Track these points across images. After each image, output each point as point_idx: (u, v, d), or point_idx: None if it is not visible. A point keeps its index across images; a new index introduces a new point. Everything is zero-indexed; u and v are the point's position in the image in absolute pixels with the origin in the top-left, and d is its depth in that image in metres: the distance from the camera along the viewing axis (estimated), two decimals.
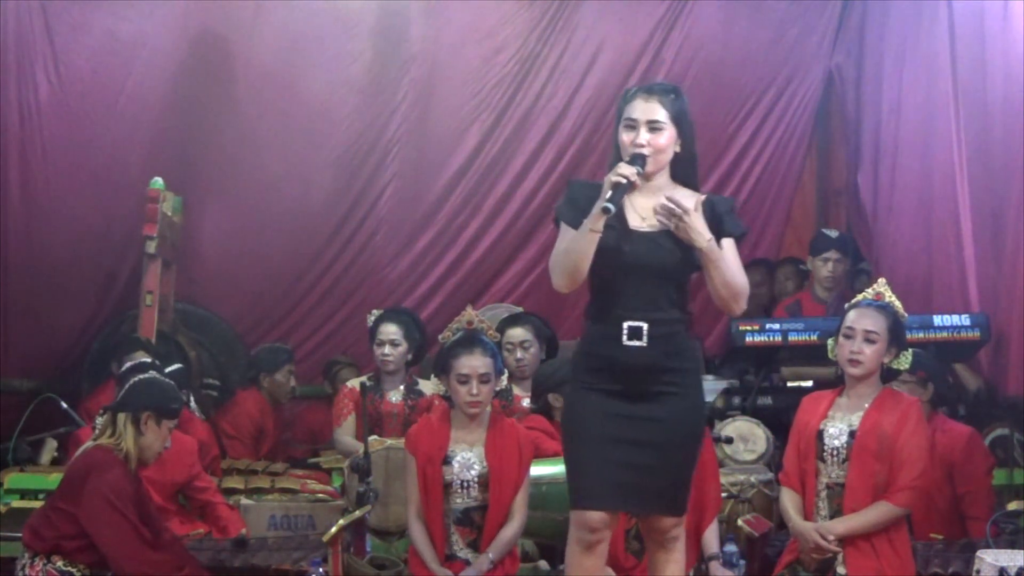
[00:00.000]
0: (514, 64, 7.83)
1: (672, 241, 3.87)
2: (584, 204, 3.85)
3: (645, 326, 3.84)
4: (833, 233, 7.16)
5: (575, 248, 3.83)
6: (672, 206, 3.81)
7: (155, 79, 7.34)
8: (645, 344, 3.84)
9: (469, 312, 5.17)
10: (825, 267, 7.00)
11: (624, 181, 3.77)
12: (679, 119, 3.93)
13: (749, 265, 7.88)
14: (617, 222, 3.86)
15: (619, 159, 3.89)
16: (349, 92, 7.71)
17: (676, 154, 3.96)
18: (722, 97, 7.94)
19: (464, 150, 7.87)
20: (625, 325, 3.85)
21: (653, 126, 3.89)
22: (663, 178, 3.97)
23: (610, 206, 3.73)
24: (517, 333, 6.13)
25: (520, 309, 6.84)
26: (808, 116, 8.13)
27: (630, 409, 3.87)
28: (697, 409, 3.99)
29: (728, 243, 3.94)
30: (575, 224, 3.86)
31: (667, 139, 3.91)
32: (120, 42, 7.23)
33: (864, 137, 7.66)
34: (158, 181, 6.90)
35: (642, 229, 3.90)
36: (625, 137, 3.92)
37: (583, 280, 3.87)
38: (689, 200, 3.92)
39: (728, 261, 3.88)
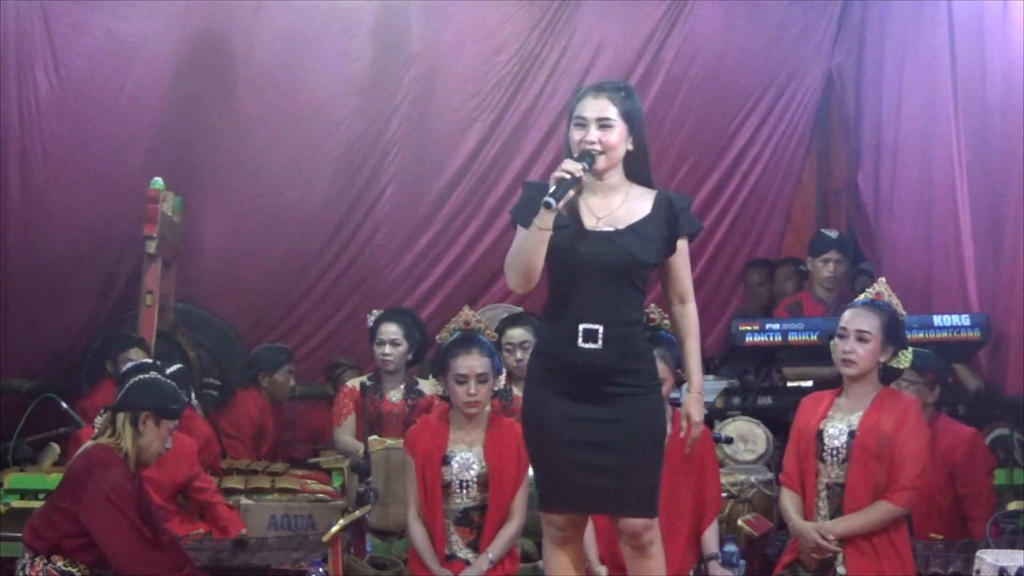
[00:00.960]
0: (514, 64, 7.83)
1: (627, 241, 3.86)
2: (538, 205, 3.83)
3: (600, 328, 3.83)
4: (833, 234, 7.15)
5: (525, 247, 3.82)
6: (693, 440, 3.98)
7: (155, 79, 7.34)
8: (600, 346, 3.83)
9: (466, 312, 5.16)
10: (825, 268, 6.99)
11: (568, 177, 3.75)
12: (630, 116, 3.91)
13: (749, 265, 7.96)
14: (572, 222, 3.86)
15: (570, 157, 3.87)
16: (349, 92, 7.71)
17: (629, 152, 3.94)
18: (722, 97, 7.94)
19: (464, 150, 7.87)
20: (580, 327, 3.84)
21: (603, 123, 3.88)
22: (617, 176, 3.96)
23: (552, 201, 3.71)
24: (517, 333, 6.13)
25: (520, 309, 6.84)
26: (808, 116, 8.12)
27: (587, 411, 3.86)
28: (654, 409, 3.95)
29: (682, 244, 3.97)
30: (527, 224, 3.84)
31: (617, 136, 3.89)
32: (120, 42, 7.23)
33: (864, 137, 7.65)
34: (158, 181, 6.89)
35: (598, 229, 3.89)
36: (575, 135, 3.90)
37: (537, 280, 3.86)
38: (645, 200, 3.93)
39: (698, 347, 3.99)
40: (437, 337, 5.13)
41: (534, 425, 3.95)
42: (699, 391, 3.94)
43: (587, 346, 3.83)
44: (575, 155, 3.86)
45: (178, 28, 7.37)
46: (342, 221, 7.84)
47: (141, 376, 4.82)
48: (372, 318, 6.38)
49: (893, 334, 4.68)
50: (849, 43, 7.87)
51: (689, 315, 3.99)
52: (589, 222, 3.89)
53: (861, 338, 4.65)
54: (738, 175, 8.05)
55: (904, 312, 4.80)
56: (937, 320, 6.04)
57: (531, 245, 3.80)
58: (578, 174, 3.77)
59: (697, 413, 3.93)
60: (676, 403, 4.80)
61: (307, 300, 7.89)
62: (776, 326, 6.25)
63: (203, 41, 7.43)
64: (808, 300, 7.06)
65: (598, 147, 3.86)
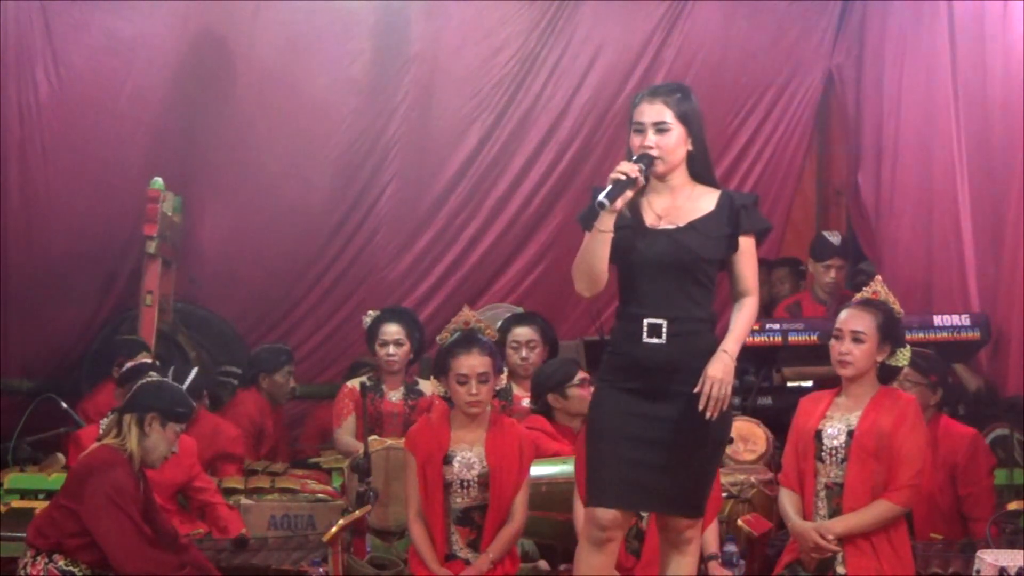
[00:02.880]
0: (514, 64, 7.84)
1: (687, 237, 3.88)
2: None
3: (664, 323, 3.85)
4: (836, 239, 7.09)
5: (587, 250, 3.86)
6: (711, 400, 3.79)
7: (155, 79, 7.35)
8: (664, 341, 3.85)
9: (466, 312, 5.15)
10: (828, 274, 6.96)
11: (623, 178, 3.78)
12: (686, 118, 3.93)
13: None
14: (634, 221, 3.88)
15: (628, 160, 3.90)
16: (349, 92, 7.73)
17: (689, 152, 3.96)
18: (722, 97, 7.94)
19: (464, 150, 7.88)
20: (645, 322, 3.86)
21: (660, 127, 3.90)
22: (680, 177, 3.97)
23: (604, 202, 3.74)
24: (524, 332, 6.12)
25: (520, 309, 6.84)
26: (808, 116, 8.14)
27: (651, 408, 3.87)
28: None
29: (747, 241, 3.94)
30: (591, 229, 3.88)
31: (675, 139, 3.91)
32: (120, 42, 7.25)
33: (864, 137, 7.66)
34: (158, 181, 6.90)
35: (659, 227, 3.91)
36: (635, 141, 3.93)
37: (603, 282, 3.88)
38: (709, 199, 3.94)
39: (744, 324, 3.90)
40: (437, 338, 5.12)
41: (596, 420, 3.96)
42: (725, 351, 3.84)
43: (651, 341, 3.85)
44: (634, 160, 3.88)
45: (178, 28, 7.38)
46: (342, 221, 7.84)
47: (149, 379, 4.83)
48: (368, 319, 6.37)
49: (889, 333, 4.68)
50: (849, 43, 7.88)
51: (747, 304, 3.95)
52: (650, 220, 3.92)
53: (856, 338, 4.65)
54: (738, 175, 8.05)
55: (901, 310, 4.79)
56: (937, 320, 6.04)
57: (592, 248, 3.84)
58: (634, 175, 3.80)
59: (715, 369, 3.79)
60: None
61: (307, 300, 7.89)
62: (776, 326, 6.24)
63: (203, 41, 7.44)
64: (808, 300, 7.05)
65: (655, 151, 3.89)
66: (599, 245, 3.82)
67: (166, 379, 4.86)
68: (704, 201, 3.96)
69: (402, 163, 7.86)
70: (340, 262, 7.89)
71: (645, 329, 3.86)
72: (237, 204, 7.69)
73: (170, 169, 7.15)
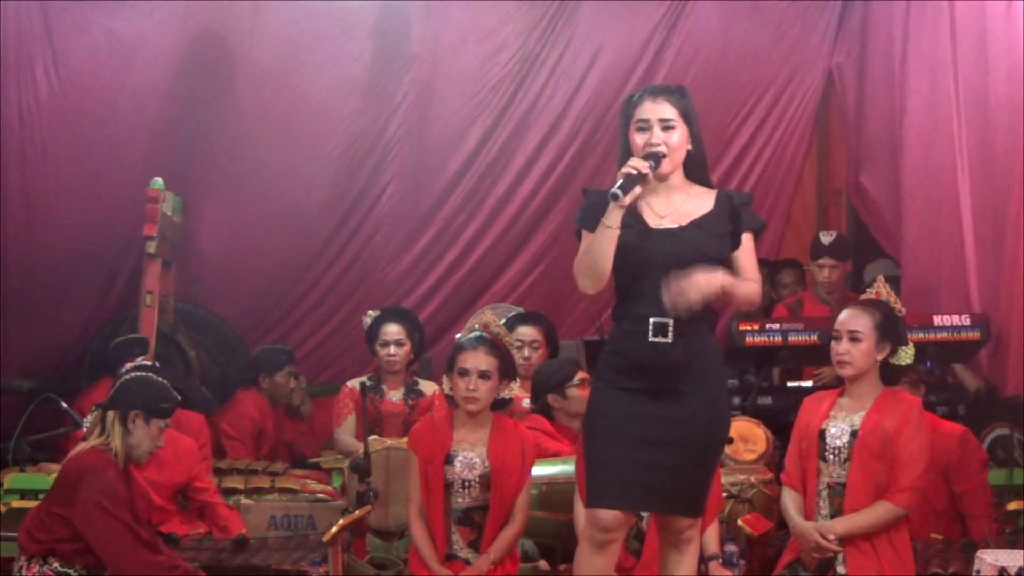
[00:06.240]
0: (514, 64, 7.85)
1: (692, 236, 3.90)
2: (601, 209, 3.86)
3: (671, 322, 3.85)
4: (827, 239, 7.03)
5: (594, 247, 3.85)
6: (685, 301, 3.77)
7: (155, 79, 7.35)
8: (670, 341, 3.85)
9: (487, 315, 5.14)
10: (821, 273, 6.95)
11: (635, 172, 3.79)
12: (688, 117, 3.96)
13: None
14: (636, 221, 3.89)
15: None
16: (349, 92, 7.72)
17: (689, 152, 3.98)
18: (722, 97, 7.95)
19: (464, 150, 7.88)
20: (651, 321, 3.86)
21: (666, 125, 3.92)
22: (678, 177, 4.00)
23: (619, 193, 3.74)
24: (528, 332, 6.12)
25: (520, 309, 6.84)
26: (808, 116, 8.14)
27: (653, 408, 3.88)
28: (719, 409, 3.97)
29: (747, 238, 3.98)
30: (592, 228, 3.87)
31: (680, 137, 3.93)
32: (120, 42, 7.25)
33: (864, 137, 7.65)
34: (158, 181, 6.89)
35: (662, 226, 3.92)
36: (639, 139, 3.93)
37: (606, 280, 3.88)
38: (707, 198, 3.97)
39: (742, 287, 3.88)
40: (457, 336, 5.11)
41: (597, 421, 3.96)
42: (724, 276, 3.81)
43: (657, 340, 3.85)
44: (640, 157, 3.88)
45: (178, 28, 7.38)
46: (342, 221, 7.84)
47: (132, 374, 4.79)
48: (368, 319, 6.37)
49: (888, 331, 4.69)
50: (849, 43, 7.88)
51: (752, 284, 3.96)
52: (653, 221, 3.93)
53: (853, 338, 4.67)
54: (738, 175, 8.06)
55: (903, 309, 4.80)
56: (937, 320, 6.04)
57: (600, 244, 3.82)
58: (645, 171, 3.81)
59: (702, 274, 3.76)
60: None
61: (307, 300, 7.89)
62: (776, 326, 6.24)
63: (203, 41, 7.43)
64: (810, 299, 7.05)
65: (663, 148, 3.89)
66: (606, 242, 3.82)
67: (149, 374, 4.81)
68: (703, 200, 3.98)
69: (402, 163, 7.87)
70: (340, 262, 7.89)
71: (651, 328, 3.86)
72: (237, 204, 7.68)
73: (170, 169, 7.14)
